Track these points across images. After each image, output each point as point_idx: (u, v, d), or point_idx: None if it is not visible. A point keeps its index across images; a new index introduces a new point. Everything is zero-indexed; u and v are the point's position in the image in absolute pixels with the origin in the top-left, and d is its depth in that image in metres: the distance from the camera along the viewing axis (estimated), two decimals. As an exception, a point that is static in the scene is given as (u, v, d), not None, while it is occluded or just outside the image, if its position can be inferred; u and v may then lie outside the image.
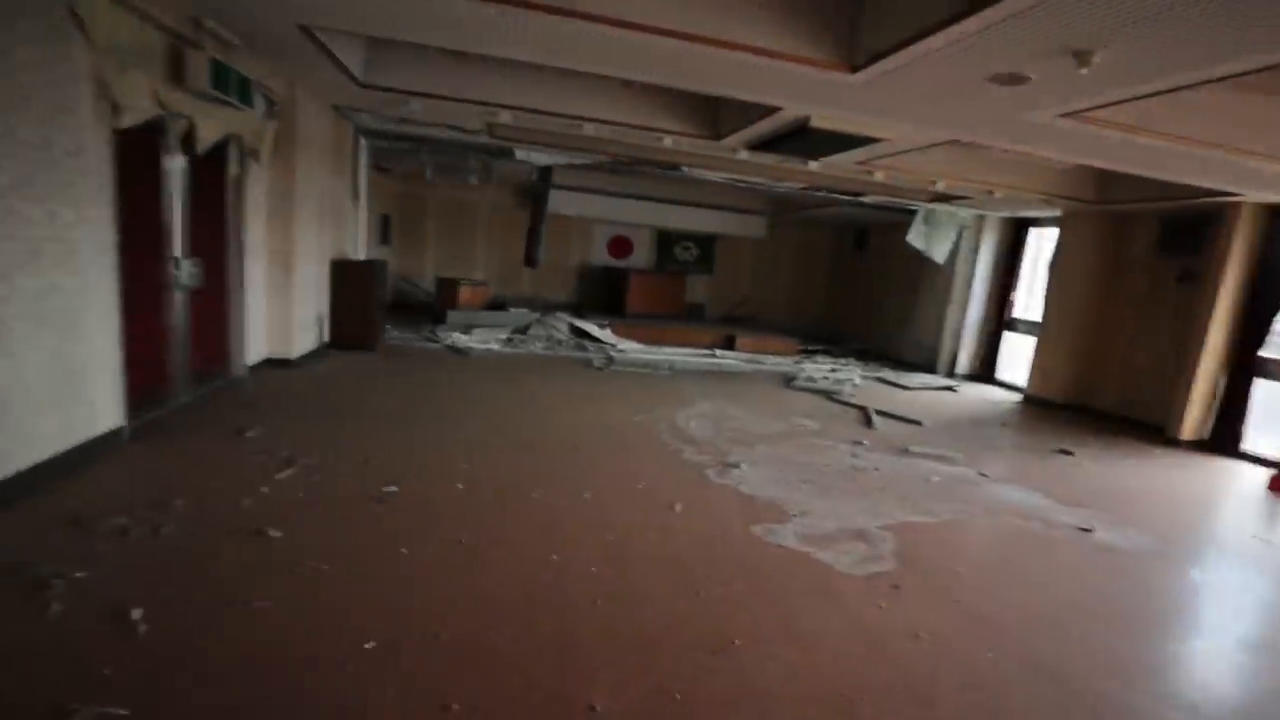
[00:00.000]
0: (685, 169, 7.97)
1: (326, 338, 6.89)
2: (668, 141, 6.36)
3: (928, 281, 10.25)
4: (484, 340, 8.38)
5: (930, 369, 9.78)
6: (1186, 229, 6.88)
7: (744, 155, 6.61)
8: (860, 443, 5.38)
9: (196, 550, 2.67)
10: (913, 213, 9.32)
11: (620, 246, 12.15)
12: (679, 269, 12.42)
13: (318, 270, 6.47)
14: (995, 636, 2.65)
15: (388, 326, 8.46)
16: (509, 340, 8.71)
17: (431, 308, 10.16)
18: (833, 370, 8.91)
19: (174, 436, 3.97)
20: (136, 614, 2.17)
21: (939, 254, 9.30)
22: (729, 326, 11.05)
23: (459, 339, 8.22)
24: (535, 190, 8.71)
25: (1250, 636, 2.96)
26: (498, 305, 10.21)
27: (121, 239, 3.52)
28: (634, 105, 5.80)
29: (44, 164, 2.92)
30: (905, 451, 5.24)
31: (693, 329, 10.26)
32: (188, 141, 4.10)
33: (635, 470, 4.19)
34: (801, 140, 5.56)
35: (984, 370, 9.58)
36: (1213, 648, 2.83)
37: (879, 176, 7.18)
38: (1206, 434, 6.54)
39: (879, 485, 4.36)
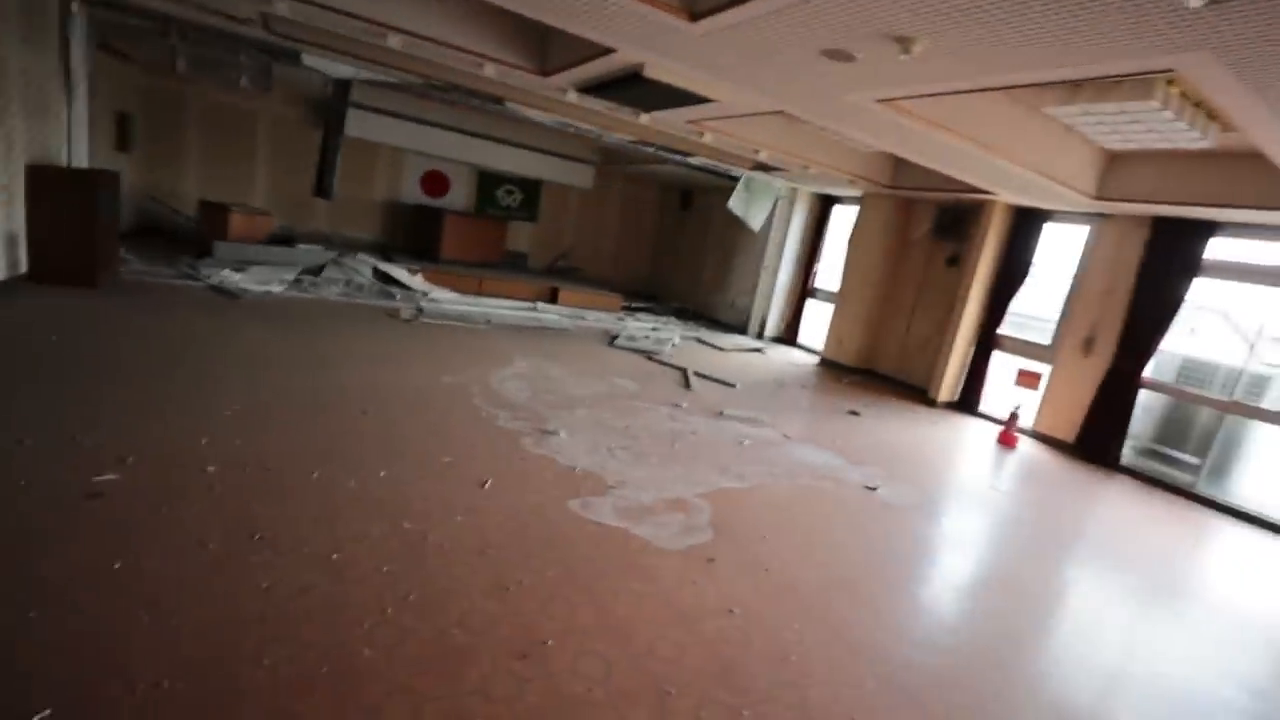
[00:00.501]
0: (510, 105, 7.30)
1: (23, 268, 5.29)
2: (489, 70, 5.69)
3: (744, 246, 10.74)
4: (264, 281, 7.09)
5: (743, 330, 10.35)
6: (956, 218, 7.87)
7: (573, 98, 6.16)
8: (679, 405, 5.43)
9: None
10: (735, 179, 9.60)
11: (435, 183, 11.01)
12: (501, 214, 11.64)
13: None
14: (800, 605, 2.75)
15: (127, 258, 6.79)
16: (297, 283, 7.49)
17: (193, 237, 8.38)
18: (654, 329, 9.00)
19: None
20: None
21: (756, 221, 9.72)
22: (552, 279, 10.67)
23: (229, 277, 6.86)
24: (329, 107, 7.41)
25: (984, 576, 3.44)
26: (283, 240, 8.71)
27: None
28: (452, 22, 5.04)
29: None
30: (720, 414, 5.39)
31: (514, 280, 9.71)
32: None
33: (442, 441, 3.75)
34: (634, 89, 5.28)
35: (789, 334, 10.36)
36: (959, 589, 3.24)
37: (708, 139, 7.19)
38: (956, 397, 7.70)
39: (696, 451, 4.41)
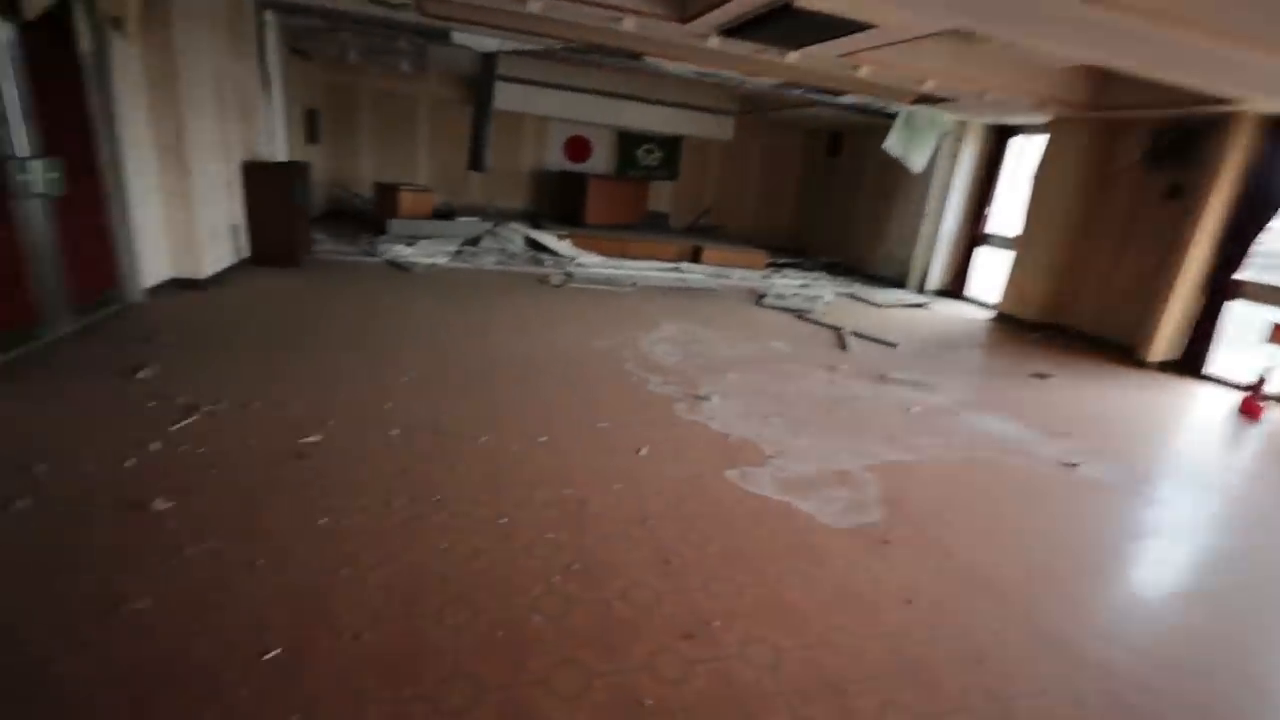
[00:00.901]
0: (648, 60, 7.09)
1: (246, 253, 6.09)
2: (628, 24, 5.50)
3: (903, 192, 9.76)
4: (430, 254, 7.64)
5: (901, 284, 9.50)
6: (1179, 141, 6.48)
7: (714, 43, 5.81)
8: (836, 368, 5.08)
9: (55, 532, 2.18)
10: (891, 116, 8.67)
11: (578, 148, 11.16)
12: (641, 174, 11.56)
13: (225, 170, 5.58)
14: (994, 599, 2.42)
15: (319, 238, 7.62)
16: (458, 253, 7.98)
17: (370, 217, 9.23)
18: (803, 286, 8.52)
19: (42, 380, 3.34)
20: (-43, 630, 1.70)
21: (917, 162, 8.74)
22: (694, 237, 10.46)
23: (401, 252, 7.46)
24: (479, 82, 7.67)
25: (1226, 573, 2.83)
26: (445, 214, 9.32)
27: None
28: (591, -24, 4.92)
29: None
30: (882, 378, 4.96)
31: (657, 240, 9.64)
32: (10, 3, 3.19)
33: (597, 407, 3.78)
34: (783, 24, 4.83)
35: (956, 286, 9.34)
36: (1194, 591, 2.68)
37: (864, 73, 6.49)
38: (1177, 355, 6.48)
39: (858, 418, 4.08)
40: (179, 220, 4.96)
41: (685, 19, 5.31)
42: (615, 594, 2.18)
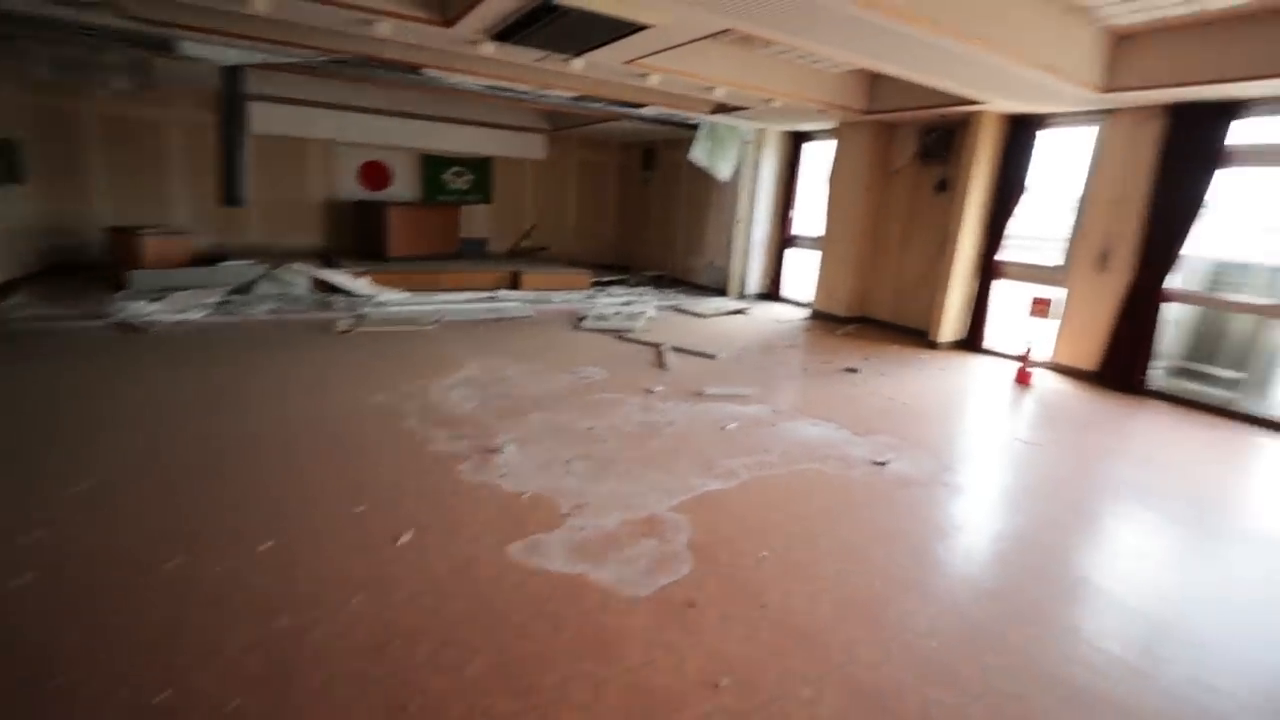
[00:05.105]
0: (429, 73, 6.44)
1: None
2: (384, 28, 4.84)
3: (716, 201, 9.93)
4: (181, 308, 6.32)
5: (724, 292, 9.60)
6: (942, 139, 7.07)
7: (489, 50, 5.33)
8: (653, 390, 4.75)
9: None
10: (695, 128, 8.76)
11: (375, 175, 10.12)
12: (452, 199, 10.77)
13: None
14: (810, 655, 2.09)
15: (18, 302, 6.03)
16: (223, 304, 6.72)
17: (107, 270, 7.58)
18: (626, 303, 8.27)
19: None
20: None
21: (723, 171, 8.90)
22: (515, 263, 9.88)
23: (139, 311, 6.09)
24: (227, 102, 6.53)
25: (1026, 562, 2.80)
26: (213, 259, 7.90)
27: None
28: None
29: None
30: (699, 395, 4.71)
31: (474, 269, 8.92)
32: None
33: (357, 484, 3.06)
34: (551, 25, 4.48)
35: (773, 289, 9.62)
36: (1005, 590, 2.59)
37: (654, 80, 6.34)
38: (963, 335, 7.01)
39: (672, 446, 3.73)
40: None
41: (449, 21, 4.76)
42: (314, 784, 1.54)
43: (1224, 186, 5.29)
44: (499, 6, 4.28)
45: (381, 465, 3.28)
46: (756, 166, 9.19)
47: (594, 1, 4.06)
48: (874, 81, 6.87)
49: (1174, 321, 5.71)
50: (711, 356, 5.84)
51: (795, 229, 9.39)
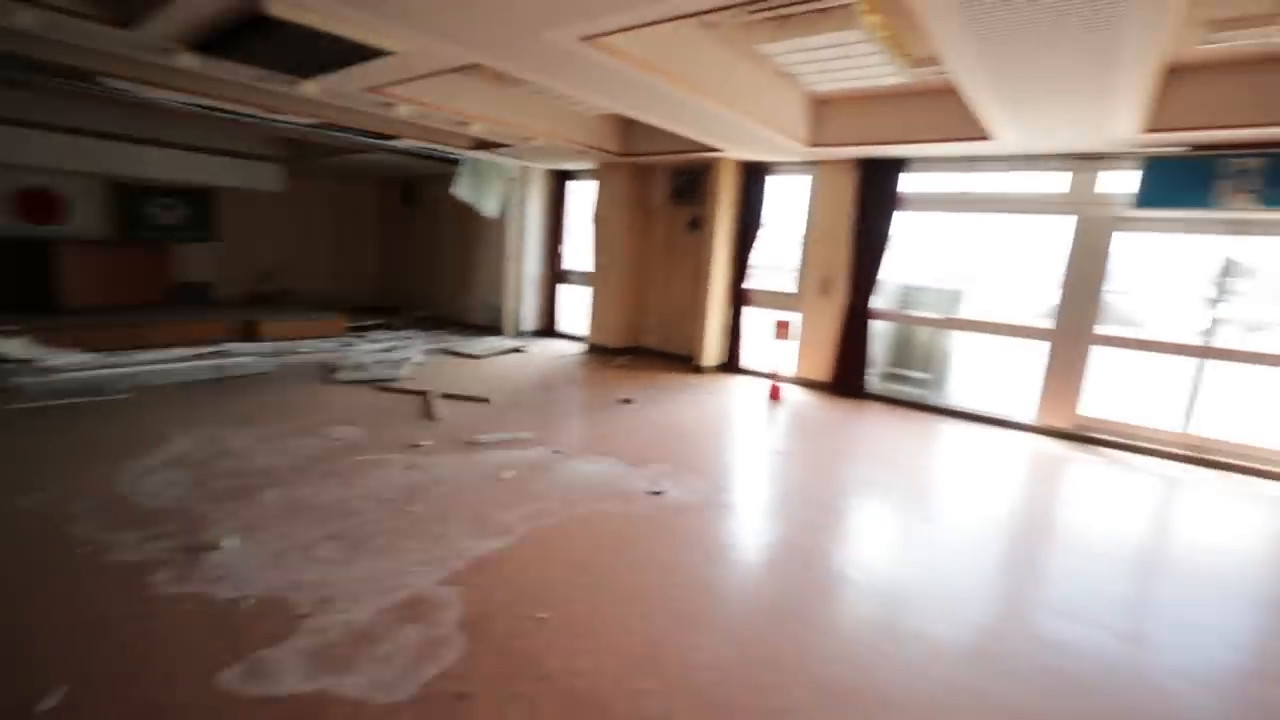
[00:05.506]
0: (110, 82, 5.25)
1: None
2: (26, 19, 3.79)
3: (485, 238, 9.65)
4: None
5: (498, 330, 9.31)
6: (691, 181, 7.70)
7: (190, 63, 4.48)
8: (419, 446, 4.29)
9: None
10: (456, 162, 8.43)
11: (37, 205, 7.98)
12: (159, 236, 8.93)
13: None
14: (595, 730, 1.92)
15: None
16: None
17: None
18: (389, 349, 7.55)
19: None
20: None
21: (489, 207, 8.68)
22: (252, 310, 8.49)
23: None
24: None
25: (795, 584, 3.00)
26: None
27: None
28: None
29: None
30: (473, 445, 4.37)
31: (189, 320, 7.43)
32: None
33: (-22, 628, 2.19)
34: (267, 41, 3.89)
35: (548, 324, 9.58)
36: (779, 614, 2.71)
37: (404, 112, 5.92)
38: (724, 358, 7.62)
39: (440, 508, 3.35)
40: None
41: (122, 23, 3.89)
42: None
43: (903, 225, 6.50)
44: (193, 12, 3.60)
45: (27, 595, 2.41)
46: (524, 204, 9.13)
47: (315, 17, 3.61)
48: (627, 126, 7.25)
49: (881, 335, 6.83)
50: (485, 400, 5.51)
51: (566, 265, 9.50)
